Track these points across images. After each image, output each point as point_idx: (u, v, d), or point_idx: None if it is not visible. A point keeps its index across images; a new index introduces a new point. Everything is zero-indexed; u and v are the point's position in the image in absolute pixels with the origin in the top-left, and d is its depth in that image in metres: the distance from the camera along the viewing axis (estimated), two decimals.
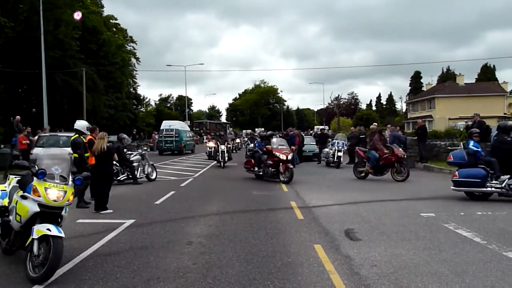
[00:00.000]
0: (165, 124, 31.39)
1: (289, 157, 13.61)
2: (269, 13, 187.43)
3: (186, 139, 30.78)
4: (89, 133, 9.75)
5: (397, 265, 5.00)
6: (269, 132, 17.73)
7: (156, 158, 23.52)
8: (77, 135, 9.54)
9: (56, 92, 32.64)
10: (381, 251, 5.58)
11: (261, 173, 14.05)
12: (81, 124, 9.88)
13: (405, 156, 14.15)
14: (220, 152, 19.54)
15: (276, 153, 13.44)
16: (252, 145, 19.51)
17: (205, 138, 32.14)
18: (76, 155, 9.20)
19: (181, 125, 32.61)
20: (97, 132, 9.88)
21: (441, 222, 7.23)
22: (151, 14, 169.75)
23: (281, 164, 13.27)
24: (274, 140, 14.74)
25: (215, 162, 20.70)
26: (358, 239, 6.25)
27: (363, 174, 14.16)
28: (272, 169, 13.56)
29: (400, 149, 14.00)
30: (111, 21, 51.17)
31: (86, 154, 9.33)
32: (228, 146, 21.47)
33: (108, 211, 8.58)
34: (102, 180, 8.85)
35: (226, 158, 19.63)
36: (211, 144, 24.16)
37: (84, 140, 9.49)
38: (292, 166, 13.52)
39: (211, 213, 8.51)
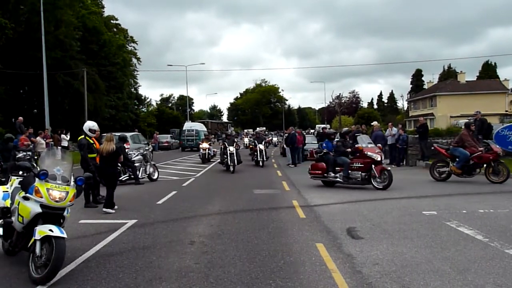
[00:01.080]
0: (187, 125, 38.63)
1: (383, 157, 11.91)
2: (269, 11, 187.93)
3: (203, 138, 35.29)
4: (91, 134, 9.85)
5: (399, 263, 5.00)
6: (344, 129, 14.80)
7: (158, 157, 23.51)
8: (83, 136, 9.75)
9: (58, 93, 32.74)
10: (383, 250, 5.58)
11: (339, 179, 11.61)
12: (85, 125, 10.05)
13: (503, 154, 12.44)
14: (228, 154, 16.86)
15: (369, 153, 11.29)
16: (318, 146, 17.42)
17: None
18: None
19: (200, 126, 39.93)
20: (98, 134, 10.05)
21: (443, 220, 7.22)
22: (151, 14, 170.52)
23: (373, 166, 11.18)
24: (359, 137, 12.36)
25: (216, 164, 19.35)
26: (360, 238, 6.24)
27: (445, 175, 12.36)
28: (363, 173, 11.27)
29: (497, 146, 12.23)
30: (111, 21, 51.22)
31: (92, 155, 9.44)
32: (237, 147, 18.17)
33: (110, 211, 8.62)
34: (107, 181, 8.91)
35: (236, 162, 16.91)
36: (205, 145, 22.88)
37: (90, 141, 9.67)
38: (389, 168, 11.58)
39: (213, 212, 8.52)
